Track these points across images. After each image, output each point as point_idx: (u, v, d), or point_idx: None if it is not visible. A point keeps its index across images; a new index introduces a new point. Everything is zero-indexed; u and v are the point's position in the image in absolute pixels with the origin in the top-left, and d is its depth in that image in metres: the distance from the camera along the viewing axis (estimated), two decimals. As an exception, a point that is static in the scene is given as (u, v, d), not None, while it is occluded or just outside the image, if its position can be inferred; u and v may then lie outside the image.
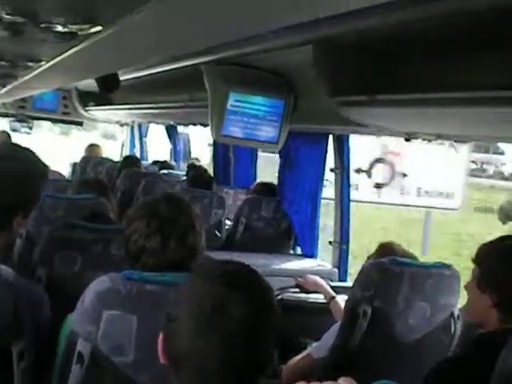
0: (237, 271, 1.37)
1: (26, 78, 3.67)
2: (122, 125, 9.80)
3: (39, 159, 2.14)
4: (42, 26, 1.71)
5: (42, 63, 2.82)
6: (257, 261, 4.18)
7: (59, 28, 1.73)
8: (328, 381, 1.08)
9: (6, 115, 8.88)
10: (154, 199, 2.09)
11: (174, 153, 8.48)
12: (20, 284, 1.85)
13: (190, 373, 1.31)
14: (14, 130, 8.87)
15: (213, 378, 1.27)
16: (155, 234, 1.96)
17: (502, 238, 2.18)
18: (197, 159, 8.32)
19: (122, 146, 10.12)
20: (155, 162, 7.94)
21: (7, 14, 1.59)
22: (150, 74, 4.57)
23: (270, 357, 1.34)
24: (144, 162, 7.68)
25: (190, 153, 9.12)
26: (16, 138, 8.49)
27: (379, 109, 2.54)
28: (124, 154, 9.20)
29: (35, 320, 1.89)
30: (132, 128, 9.65)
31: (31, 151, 2.12)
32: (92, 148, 8.46)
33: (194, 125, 6.33)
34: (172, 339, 1.34)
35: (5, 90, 5.14)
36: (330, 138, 4.40)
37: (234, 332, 1.27)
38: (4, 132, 8.45)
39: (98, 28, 1.66)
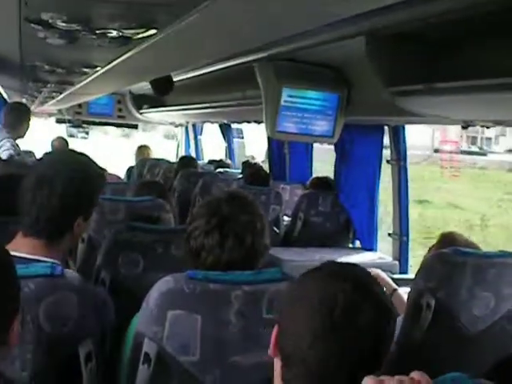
0: (362, 277, 1.35)
1: (81, 83, 3.72)
2: (176, 126, 9.88)
3: (95, 163, 2.20)
4: (97, 32, 1.73)
5: (98, 68, 2.85)
6: (316, 256, 4.17)
7: (114, 33, 1.74)
8: (398, 375, 1.08)
9: (62, 121, 9.03)
10: (218, 197, 2.09)
11: (229, 151, 8.51)
12: (85, 287, 1.88)
13: (301, 373, 1.29)
14: (71, 136, 9.01)
15: (325, 382, 1.25)
16: (214, 231, 1.97)
17: None
18: (252, 157, 8.33)
19: (178, 146, 10.20)
20: (211, 162, 7.98)
21: (63, 22, 1.61)
22: (203, 74, 4.59)
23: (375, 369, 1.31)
24: (200, 162, 7.72)
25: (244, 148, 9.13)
26: (74, 144, 8.66)
27: (436, 97, 2.51)
28: (180, 155, 9.26)
29: (100, 322, 1.92)
30: (186, 128, 9.72)
31: (87, 156, 2.19)
32: (142, 150, 8.54)
33: (248, 122, 6.35)
34: (289, 337, 1.32)
35: (61, 96, 5.22)
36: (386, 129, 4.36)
37: (354, 343, 1.25)
38: (60, 138, 8.59)
39: (152, 31, 1.67)
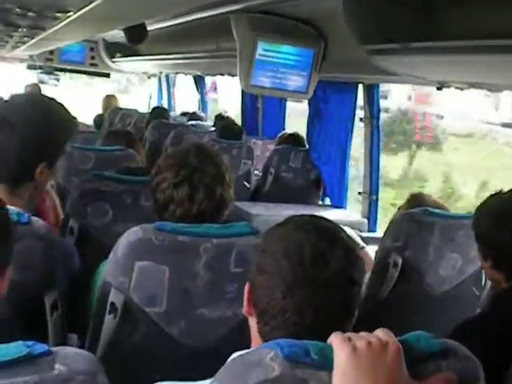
0: (329, 227, 1.35)
1: (53, 29, 3.65)
2: (149, 76, 9.78)
3: (66, 111, 2.14)
4: (71, -26, 1.68)
5: (70, 14, 2.80)
6: (285, 211, 4.17)
7: (88, -24, 1.70)
8: (364, 332, 1.08)
9: (34, 67, 8.90)
10: (184, 149, 2.07)
11: (202, 104, 8.46)
12: (52, 236, 1.86)
13: (279, 325, 1.29)
14: (42, 82, 8.88)
15: (302, 333, 1.25)
16: (183, 183, 1.96)
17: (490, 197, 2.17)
18: (224, 111, 8.29)
19: (150, 97, 10.11)
20: (184, 114, 7.92)
21: (35, -37, 1.57)
22: (178, 24, 4.54)
23: (351, 316, 1.32)
24: (172, 114, 7.67)
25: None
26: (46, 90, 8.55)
27: (411, 57, 2.50)
28: (151, 106, 9.19)
29: (67, 270, 1.91)
30: (159, 79, 9.63)
31: (59, 103, 2.12)
32: (109, 99, 8.45)
33: (222, 75, 6.30)
34: (260, 291, 1.31)
35: (33, 41, 5.13)
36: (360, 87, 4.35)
37: (331, 285, 1.26)
38: (34, 84, 8.47)
39: (127, -25, 1.63)
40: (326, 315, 1.27)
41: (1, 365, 1.03)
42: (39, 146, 1.97)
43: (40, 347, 1.09)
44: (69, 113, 2.15)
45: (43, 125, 1.98)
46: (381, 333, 1.08)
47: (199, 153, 2.02)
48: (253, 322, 1.35)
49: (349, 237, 1.36)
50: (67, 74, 9.84)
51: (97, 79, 9.76)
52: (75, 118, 5.20)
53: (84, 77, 11.83)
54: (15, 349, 1.08)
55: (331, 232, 1.33)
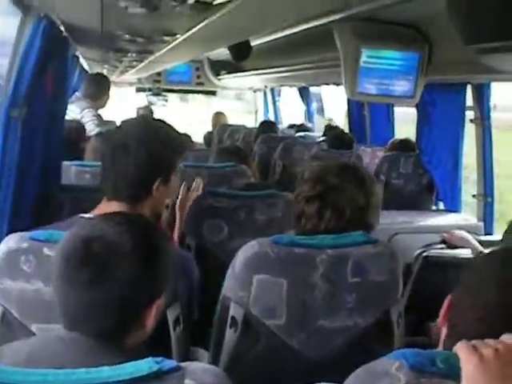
0: None
1: (161, 52, 3.75)
2: (254, 91, 9.88)
3: (174, 130, 2.23)
4: (178, -1, 1.74)
5: (177, 36, 2.87)
6: (399, 218, 4.13)
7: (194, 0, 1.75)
8: (488, 339, 1.06)
9: (143, 90, 9.15)
10: (328, 165, 2.08)
11: (308, 114, 8.47)
12: (173, 252, 1.91)
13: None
14: (151, 104, 9.12)
15: None
16: (314, 199, 1.97)
17: None
18: (331, 119, 8.27)
19: (256, 111, 10.21)
20: (291, 126, 7.95)
21: (144, -10, 1.62)
22: (281, 38, 4.56)
23: None
24: (279, 126, 7.72)
25: (323, 111, 9.06)
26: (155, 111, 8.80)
27: (521, 54, 2.43)
28: (259, 120, 9.28)
29: (189, 285, 1.96)
30: (265, 93, 9.71)
31: (167, 124, 2.22)
32: (218, 116, 8.60)
33: (327, 84, 6.29)
34: (460, 309, 1.30)
35: (141, 65, 5.28)
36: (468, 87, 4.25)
37: None
38: (147, 107, 8.74)
39: (233, -4, 1.67)
40: None
41: (134, 381, 1.07)
42: (153, 165, 2.06)
43: (169, 363, 1.13)
44: (177, 132, 2.24)
45: (155, 145, 2.07)
46: (507, 338, 1.06)
47: (340, 170, 2.03)
48: (443, 334, 1.34)
49: None
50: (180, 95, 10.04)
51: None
52: (188, 136, 5.33)
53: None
54: (146, 365, 1.12)
55: None
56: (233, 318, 1.86)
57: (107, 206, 2.03)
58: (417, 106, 4.51)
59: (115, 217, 1.46)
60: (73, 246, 1.37)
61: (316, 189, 1.98)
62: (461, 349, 1.04)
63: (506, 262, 1.29)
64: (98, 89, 5.22)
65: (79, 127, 4.28)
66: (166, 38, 2.97)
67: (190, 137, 5.41)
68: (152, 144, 2.06)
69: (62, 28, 2.84)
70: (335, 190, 1.96)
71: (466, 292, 1.27)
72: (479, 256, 1.36)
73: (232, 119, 9.09)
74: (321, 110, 8.78)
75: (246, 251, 1.85)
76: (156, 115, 7.65)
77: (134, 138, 2.04)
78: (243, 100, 14.00)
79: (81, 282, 1.34)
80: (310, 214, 1.96)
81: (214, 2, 1.77)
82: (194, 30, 2.52)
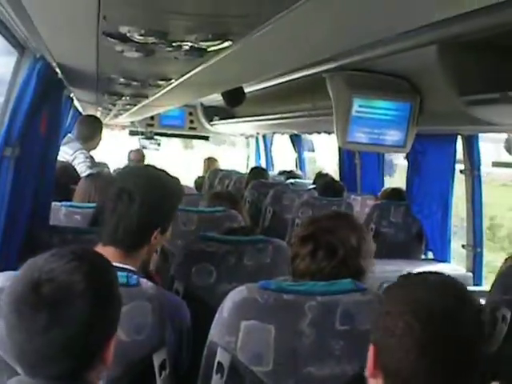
0: (453, 283, 1.35)
1: (155, 96, 3.78)
2: (246, 137, 9.93)
3: (175, 180, 2.27)
4: (174, 44, 1.75)
5: (172, 81, 2.89)
6: (389, 267, 4.12)
7: (189, 46, 1.77)
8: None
9: (136, 133, 9.19)
10: (324, 213, 2.18)
11: (300, 162, 8.51)
12: (160, 296, 1.90)
13: None
14: (144, 147, 9.15)
15: None
16: (308, 239, 2.01)
17: None
18: (322, 168, 8.31)
19: (248, 157, 10.25)
20: (282, 172, 7.98)
21: (140, 35, 1.64)
22: (274, 85, 4.61)
23: (478, 373, 1.31)
24: (270, 173, 7.74)
25: (314, 159, 9.11)
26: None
27: (510, 106, 2.46)
28: (250, 166, 9.31)
29: (176, 331, 1.95)
30: (257, 139, 9.77)
31: (165, 172, 2.25)
32: (210, 161, 8.65)
33: (319, 133, 6.33)
34: (390, 354, 1.31)
35: (135, 108, 5.31)
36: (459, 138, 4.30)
37: (463, 342, 1.25)
38: (139, 150, 8.76)
39: (227, 43, 1.69)
40: (459, 374, 1.25)
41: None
42: (155, 213, 2.11)
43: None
44: (178, 182, 2.29)
45: (159, 196, 2.12)
46: None
47: (334, 216, 2.12)
48: None
49: (468, 291, 1.34)
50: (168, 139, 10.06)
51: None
52: (182, 186, 5.34)
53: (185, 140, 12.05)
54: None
55: (457, 289, 1.31)
56: (219, 363, 1.84)
57: (103, 251, 2.03)
58: (407, 156, 4.55)
59: (64, 254, 1.41)
60: (22, 291, 1.34)
61: (309, 229, 2.02)
62: None
63: (418, 293, 1.29)
64: (91, 130, 5.24)
65: (70, 168, 4.28)
66: (161, 83, 2.99)
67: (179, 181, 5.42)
68: (156, 195, 2.11)
69: (58, 70, 2.86)
70: (328, 231, 2.00)
71: (391, 336, 1.28)
72: (389, 294, 1.37)
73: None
74: (312, 158, 8.83)
75: (235, 296, 1.85)
76: (156, 160, 7.66)
77: (137, 186, 2.08)
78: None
79: (35, 329, 1.32)
80: (303, 255, 1.99)
81: (209, 49, 1.79)
82: (188, 75, 2.54)
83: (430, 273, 1.38)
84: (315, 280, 1.91)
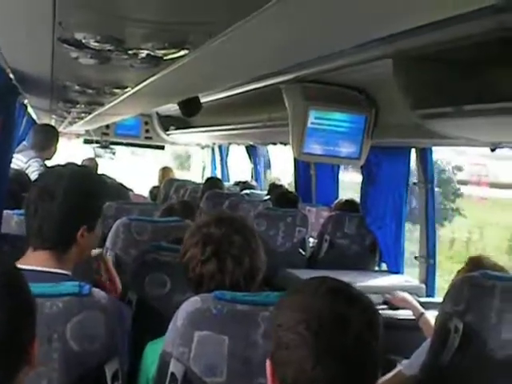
0: (343, 288, 1.35)
1: (110, 104, 3.75)
2: (202, 147, 9.93)
3: (100, 177, 2.25)
4: (130, 52, 1.74)
5: (128, 89, 2.87)
6: (342, 278, 4.12)
7: (146, 53, 1.76)
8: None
9: (90, 142, 9.11)
10: (206, 221, 2.10)
11: (255, 173, 8.53)
12: (112, 306, 1.88)
13: None
14: (98, 156, 9.07)
15: None
16: (210, 259, 2.00)
17: None
18: (277, 179, 8.34)
19: (203, 168, 10.24)
20: (237, 183, 7.99)
21: (96, 42, 1.63)
22: (230, 96, 4.62)
23: (378, 371, 1.32)
24: (226, 183, 7.74)
25: (269, 169, 9.13)
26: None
27: (464, 120, 2.50)
28: (205, 176, 9.31)
29: (124, 340, 1.93)
30: (213, 150, 9.77)
31: (88, 168, 2.24)
32: (166, 171, 8.63)
33: (274, 144, 6.36)
34: (286, 366, 1.30)
35: (90, 116, 5.27)
36: (413, 151, 4.35)
37: (357, 345, 1.25)
38: (92, 159, 8.69)
39: (184, 52, 1.68)
40: (358, 379, 1.25)
41: None
42: (77, 212, 2.08)
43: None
44: (102, 179, 2.26)
45: (80, 192, 2.09)
46: None
47: (222, 223, 2.06)
48: None
49: (361, 293, 1.35)
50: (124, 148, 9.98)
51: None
52: (124, 186, 5.31)
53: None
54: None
55: (346, 292, 1.32)
56: (172, 374, 1.82)
57: (32, 255, 2.02)
58: (362, 168, 4.58)
59: None
60: None
61: (207, 250, 2.00)
62: None
63: (308, 301, 1.31)
64: (46, 139, 5.19)
65: (22, 176, 4.22)
66: (116, 91, 2.97)
67: (125, 187, 5.39)
68: (78, 192, 2.08)
69: (12, 75, 2.82)
70: (226, 244, 2.00)
71: (286, 348, 1.29)
72: (280, 306, 1.38)
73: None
74: (267, 169, 8.85)
75: (188, 307, 1.83)
76: (106, 168, 7.60)
77: (59, 186, 2.05)
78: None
79: None
80: (211, 274, 1.99)
81: (165, 57, 1.78)
82: (144, 83, 2.53)
83: (323, 279, 1.38)
84: (223, 287, 1.92)
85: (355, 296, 1.32)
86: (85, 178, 2.19)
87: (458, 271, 2.86)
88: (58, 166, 2.23)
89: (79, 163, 8.37)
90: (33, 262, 1.99)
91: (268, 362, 1.36)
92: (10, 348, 1.34)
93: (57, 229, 2.04)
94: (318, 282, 1.35)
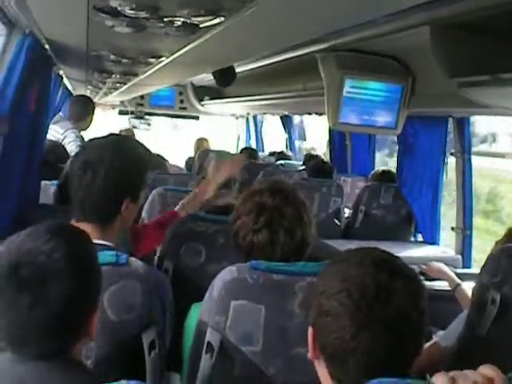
0: (388, 260, 1.34)
1: (146, 74, 3.75)
2: (237, 117, 9.91)
3: (141, 147, 2.24)
4: (165, 20, 1.73)
5: (163, 59, 2.87)
6: (378, 248, 4.13)
7: (181, 21, 1.75)
8: (468, 370, 1.05)
9: (125, 113, 9.14)
10: (259, 190, 2.05)
11: (290, 143, 8.50)
12: (149, 276, 1.90)
13: (352, 368, 1.27)
14: (134, 127, 9.10)
15: (376, 371, 1.23)
16: (262, 229, 1.97)
17: None
18: (312, 148, 8.31)
19: (238, 138, 10.23)
20: (272, 153, 7.97)
21: (131, 10, 1.62)
22: (264, 65, 4.59)
23: (422, 345, 1.31)
24: (260, 153, 7.73)
25: (305, 140, 9.09)
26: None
27: (503, 88, 2.45)
28: (240, 146, 9.30)
29: (164, 310, 1.94)
30: (247, 120, 9.74)
31: (135, 140, 2.22)
32: (201, 141, 8.63)
33: (309, 114, 6.32)
34: (327, 334, 1.30)
35: (125, 87, 5.28)
36: (450, 120, 4.29)
37: (398, 319, 1.25)
38: (129, 129, 8.72)
39: (219, 20, 1.67)
40: (398, 351, 1.25)
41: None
42: (121, 184, 2.07)
43: (143, 386, 1.11)
44: (144, 148, 2.25)
45: (123, 164, 2.08)
46: (486, 370, 1.05)
47: (275, 193, 2.02)
48: (320, 366, 1.33)
49: (406, 265, 1.34)
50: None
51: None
52: (162, 157, 5.34)
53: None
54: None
55: (390, 264, 1.31)
56: (209, 343, 1.83)
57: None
58: (398, 138, 4.54)
59: (41, 233, 1.41)
60: (2, 273, 1.34)
61: (260, 220, 1.97)
62: (439, 381, 1.04)
63: (351, 271, 1.31)
64: (83, 110, 5.21)
65: (59, 147, 4.26)
66: (151, 60, 2.97)
67: (163, 158, 5.42)
68: (121, 165, 2.07)
69: (47, 46, 2.83)
70: (278, 215, 1.97)
71: (327, 316, 1.28)
72: (324, 273, 1.37)
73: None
74: (303, 139, 8.82)
75: (224, 276, 1.84)
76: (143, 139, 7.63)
77: (101, 159, 2.05)
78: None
79: (19, 309, 1.32)
80: (261, 245, 1.96)
81: (201, 25, 1.77)
82: (179, 52, 2.52)
83: (369, 249, 1.37)
84: (274, 256, 1.91)
85: (400, 268, 1.31)
86: (128, 150, 2.17)
87: (496, 242, 2.83)
88: (101, 137, 2.22)
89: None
90: None
91: (310, 329, 1.36)
92: (73, 316, 1.36)
93: (100, 203, 2.04)
94: (364, 253, 1.34)
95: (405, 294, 1.25)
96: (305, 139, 8.88)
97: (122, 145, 2.19)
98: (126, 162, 2.09)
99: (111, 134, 2.32)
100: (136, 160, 2.16)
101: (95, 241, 1.97)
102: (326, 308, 1.30)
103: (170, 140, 14.78)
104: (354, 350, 1.24)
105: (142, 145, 2.29)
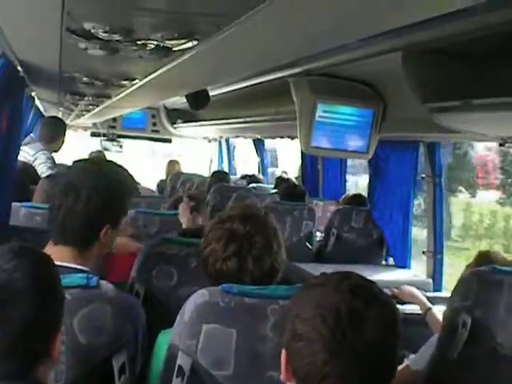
0: (364, 285, 1.33)
1: (118, 96, 3.75)
2: (209, 140, 9.92)
3: (126, 173, 2.22)
4: (138, 42, 1.73)
5: (136, 81, 2.86)
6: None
7: (155, 44, 1.75)
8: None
9: (97, 135, 9.10)
10: (231, 216, 2.04)
11: (262, 166, 8.52)
12: (120, 299, 1.88)
13: None
14: (105, 149, 9.07)
15: None
16: (231, 257, 1.96)
17: None
18: (285, 172, 8.33)
19: (211, 161, 10.24)
20: (244, 176, 7.98)
21: (105, 32, 1.62)
22: (238, 89, 4.61)
23: (395, 372, 1.31)
24: (233, 177, 7.73)
25: (277, 167, 9.14)
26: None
27: (474, 114, 2.48)
28: (212, 170, 9.30)
29: (136, 333, 1.92)
30: (220, 143, 9.76)
31: (117, 165, 2.20)
32: (172, 164, 8.62)
33: (282, 137, 6.35)
34: (300, 359, 1.30)
35: (98, 109, 5.26)
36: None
37: (370, 349, 1.24)
38: (100, 151, 8.68)
39: (193, 43, 1.67)
40: (371, 378, 1.25)
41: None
42: (103, 209, 2.04)
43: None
44: (129, 174, 2.23)
45: (106, 189, 2.05)
46: None
47: (246, 220, 2.00)
48: None
49: (382, 292, 1.34)
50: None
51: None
52: (137, 184, 5.32)
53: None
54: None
55: (366, 291, 1.31)
56: (180, 367, 1.82)
57: (53, 250, 1.99)
58: (369, 162, 4.57)
59: (3, 253, 1.41)
60: None
61: (229, 249, 1.95)
62: None
63: (325, 296, 1.30)
64: (54, 132, 5.18)
65: (30, 168, 4.23)
66: (124, 83, 2.96)
67: (135, 180, 5.39)
68: (103, 190, 2.04)
69: (19, 67, 2.82)
70: (248, 243, 1.95)
71: (300, 340, 1.28)
72: (299, 297, 1.37)
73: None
74: (275, 166, 8.85)
75: (196, 299, 1.83)
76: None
77: (85, 183, 2.02)
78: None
79: None
80: (230, 272, 1.94)
81: (174, 48, 1.77)
82: (152, 75, 2.52)
83: (346, 274, 1.37)
84: (244, 283, 1.90)
85: (376, 295, 1.31)
86: (112, 175, 2.15)
87: (467, 266, 2.86)
88: (83, 159, 2.20)
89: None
90: (53, 256, 1.98)
91: (283, 352, 1.36)
92: (34, 336, 1.35)
93: (80, 227, 2.02)
94: (340, 278, 1.34)
95: (379, 321, 1.25)
96: (277, 166, 8.92)
97: (106, 169, 2.17)
98: (110, 187, 2.07)
99: (95, 157, 2.31)
100: (119, 187, 2.14)
101: (72, 265, 1.97)
102: (300, 332, 1.30)
103: (144, 163, 14.74)
104: (326, 375, 1.24)
105: (125, 170, 2.26)
